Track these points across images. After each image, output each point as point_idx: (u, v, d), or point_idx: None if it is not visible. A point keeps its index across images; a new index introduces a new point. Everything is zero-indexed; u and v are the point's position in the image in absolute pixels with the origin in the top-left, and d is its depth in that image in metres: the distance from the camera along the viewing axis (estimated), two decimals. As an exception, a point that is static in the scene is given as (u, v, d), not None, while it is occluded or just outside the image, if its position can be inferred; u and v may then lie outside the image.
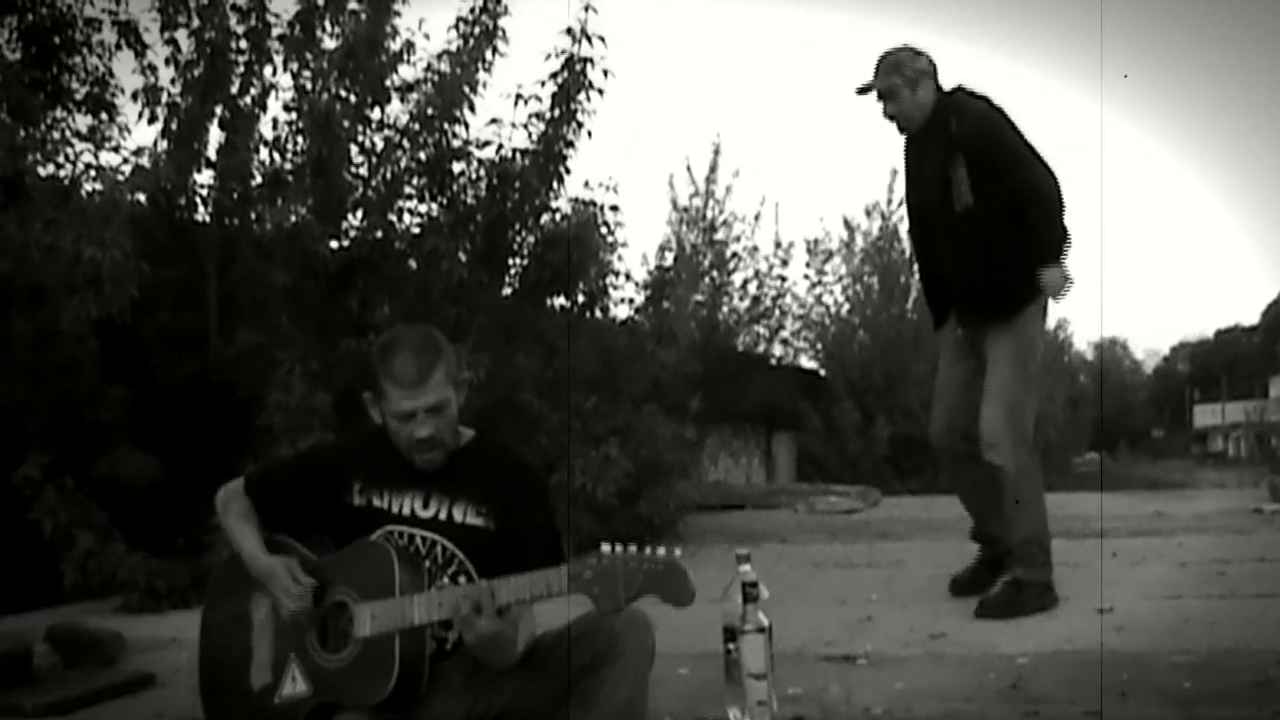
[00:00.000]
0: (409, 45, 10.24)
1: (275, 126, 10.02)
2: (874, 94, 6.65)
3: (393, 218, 10.11)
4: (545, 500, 3.95)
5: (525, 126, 10.15)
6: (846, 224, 27.83)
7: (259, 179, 9.91)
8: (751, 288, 25.03)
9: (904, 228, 27.47)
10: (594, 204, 10.46)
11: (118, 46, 10.50)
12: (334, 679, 3.53)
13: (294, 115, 9.93)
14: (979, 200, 6.38)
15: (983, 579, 6.90)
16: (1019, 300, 6.51)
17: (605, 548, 3.29)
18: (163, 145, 9.56)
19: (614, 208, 10.54)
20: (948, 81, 6.62)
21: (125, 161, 9.14)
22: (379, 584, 3.51)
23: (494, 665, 3.51)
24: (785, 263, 25.32)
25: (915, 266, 6.78)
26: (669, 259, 17.30)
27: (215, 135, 9.86)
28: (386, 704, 3.44)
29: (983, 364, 6.72)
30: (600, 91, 10.15)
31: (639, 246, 36.60)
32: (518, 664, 3.53)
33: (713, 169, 24.88)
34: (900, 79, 6.51)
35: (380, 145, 10.11)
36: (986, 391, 6.59)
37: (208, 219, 9.88)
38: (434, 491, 3.75)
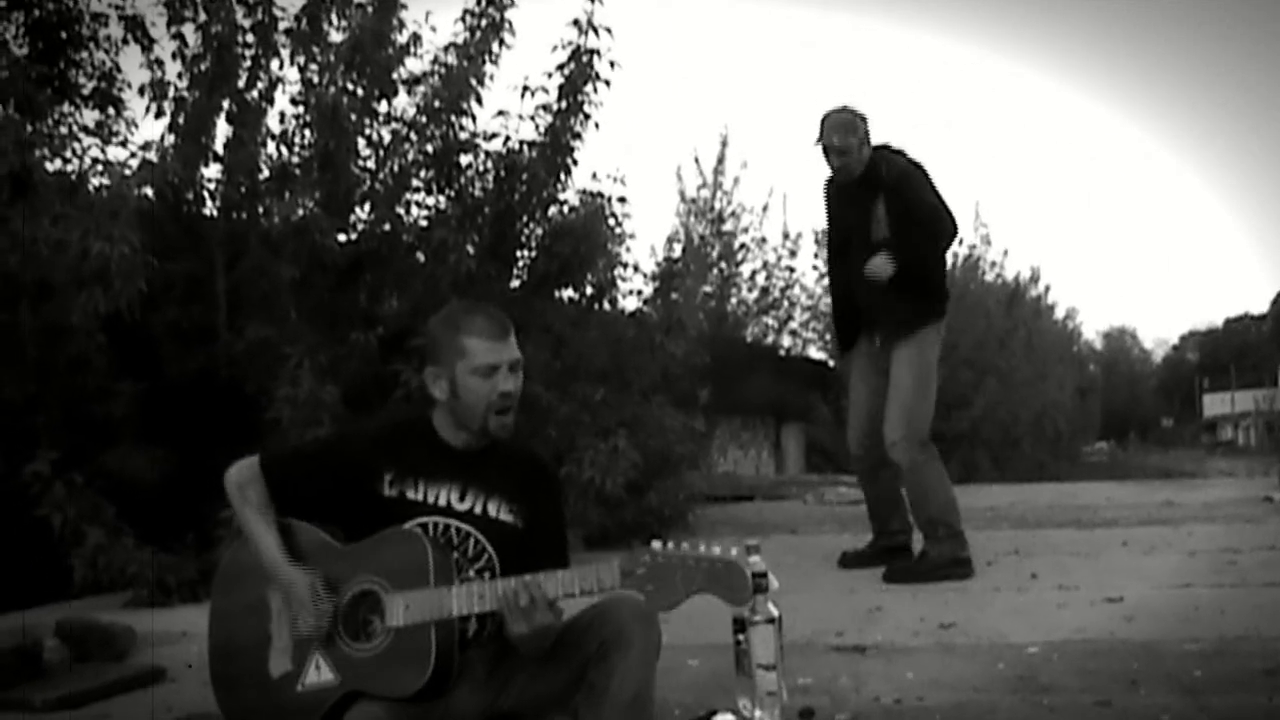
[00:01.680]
0: (416, 38, 10.26)
1: (282, 120, 10.05)
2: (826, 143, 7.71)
3: (400, 211, 10.13)
4: (562, 505, 4.00)
5: (532, 119, 10.17)
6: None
7: (266, 173, 9.93)
8: (760, 279, 25.11)
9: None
10: (602, 196, 10.46)
11: (124, 41, 10.53)
12: (364, 668, 3.50)
13: (301, 109, 9.95)
14: (894, 234, 7.49)
15: (868, 559, 8.02)
16: (921, 317, 7.65)
17: (656, 544, 3.31)
18: (170, 140, 9.59)
19: (621, 199, 10.56)
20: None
21: (133, 156, 9.19)
22: (411, 573, 3.49)
23: (531, 654, 3.51)
24: (793, 253, 25.40)
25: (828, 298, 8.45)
26: (677, 250, 17.26)
27: (223, 129, 9.89)
28: (417, 694, 3.43)
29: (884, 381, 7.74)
30: (607, 83, 10.16)
31: (647, 238, 36.73)
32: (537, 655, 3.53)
33: (720, 160, 24.92)
34: (855, 139, 7.60)
35: (387, 138, 10.14)
36: (889, 398, 7.62)
37: (215, 213, 9.90)
38: (470, 484, 3.75)
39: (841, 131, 7.59)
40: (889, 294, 7.50)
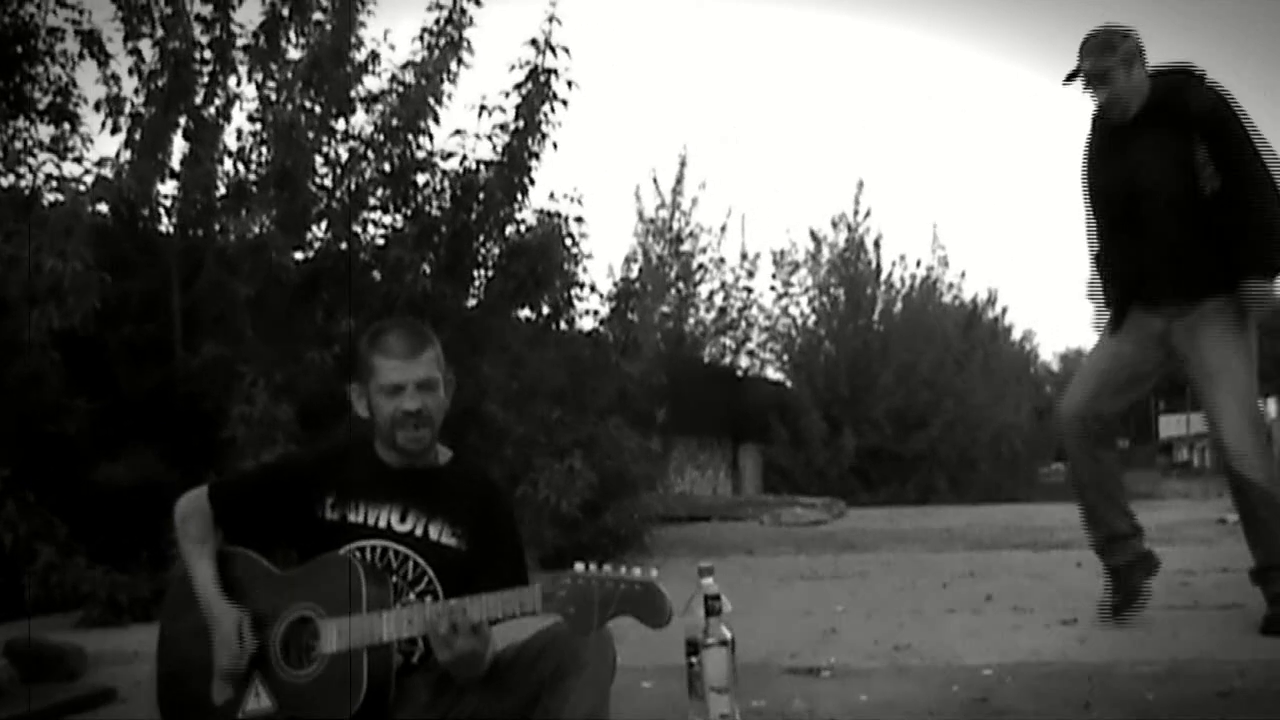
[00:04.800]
0: (374, 56, 10.27)
1: (239, 137, 10.02)
2: (1077, 81, 6.04)
3: (357, 229, 10.08)
4: (515, 525, 3.94)
5: (490, 138, 10.21)
6: (813, 235, 28.01)
7: (223, 190, 9.91)
8: (718, 299, 25.21)
9: (870, 239, 27.72)
10: (559, 215, 10.48)
11: (81, 56, 10.44)
12: (299, 694, 3.47)
13: (258, 126, 9.92)
14: (1224, 184, 5.79)
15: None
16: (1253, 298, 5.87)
17: (579, 567, 3.25)
18: (126, 155, 9.56)
19: (579, 219, 10.60)
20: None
21: (87, 172, 9.16)
22: (344, 599, 3.45)
23: (463, 679, 3.48)
24: (751, 274, 25.55)
25: (1095, 263, 5.51)
26: (635, 270, 17.35)
27: (179, 146, 9.87)
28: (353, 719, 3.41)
29: (1160, 363, 6.36)
30: (565, 103, 10.19)
31: (604, 258, 36.74)
32: (480, 679, 3.51)
33: (679, 180, 25.00)
34: (1114, 60, 5.90)
35: (345, 156, 10.11)
36: (1221, 393, 6.02)
37: (171, 230, 9.86)
38: (411, 507, 3.71)
39: (1095, 54, 5.94)
40: (1215, 260, 5.86)
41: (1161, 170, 5.91)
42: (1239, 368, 5.96)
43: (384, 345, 3.67)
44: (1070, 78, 6.03)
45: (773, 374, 28.01)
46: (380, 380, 3.65)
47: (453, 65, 10.12)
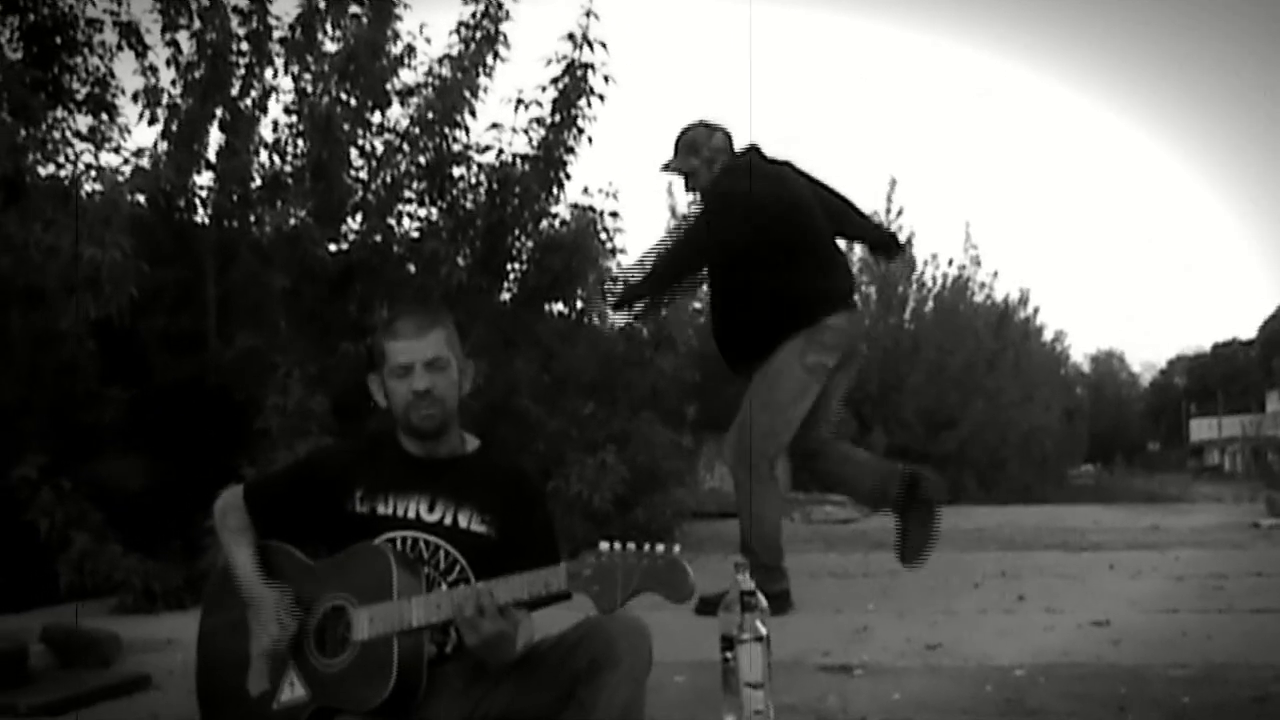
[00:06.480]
0: (410, 49, 10.26)
1: (275, 129, 10.05)
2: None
3: (392, 222, 10.11)
4: (546, 512, 3.95)
5: (526, 132, 10.18)
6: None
7: (259, 181, 9.94)
8: (750, 294, 25.08)
9: (901, 238, 27.68)
10: (593, 210, 10.47)
11: (119, 47, 10.52)
12: (331, 683, 3.49)
13: (294, 118, 9.95)
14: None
15: None
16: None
17: (604, 545, 3.25)
18: (163, 146, 9.58)
19: (614, 214, 10.57)
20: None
21: (125, 162, 9.20)
22: (376, 587, 3.47)
23: (494, 664, 3.48)
24: (784, 271, 25.35)
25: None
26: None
27: (215, 137, 9.89)
28: (384, 707, 3.39)
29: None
30: (601, 97, 10.17)
31: (638, 252, 36.65)
32: (514, 669, 3.51)
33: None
34: (698, 160, 7.13)
35: (380, 149, 10.12)
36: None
37: (207, 221, 9.89)
38: (440, 496, 3.72)
39: (683, 154, 7.25)
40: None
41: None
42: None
43: (393, 329, 3.71)
44: (665, 168, 7.31)
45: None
46: (390, 363, 3.68)
47: (489, 59, 10.10)
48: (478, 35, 10.08)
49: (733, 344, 7.25)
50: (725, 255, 7.01)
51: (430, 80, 10.16)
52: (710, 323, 7.58)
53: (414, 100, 10.19)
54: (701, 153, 7.11)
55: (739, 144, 7.17)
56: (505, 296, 10.62)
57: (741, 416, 7.10)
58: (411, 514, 3.71)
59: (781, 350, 6.98)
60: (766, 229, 6.86)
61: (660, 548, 3.23)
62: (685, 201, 24.21)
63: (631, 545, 3.24)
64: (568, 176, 10.30)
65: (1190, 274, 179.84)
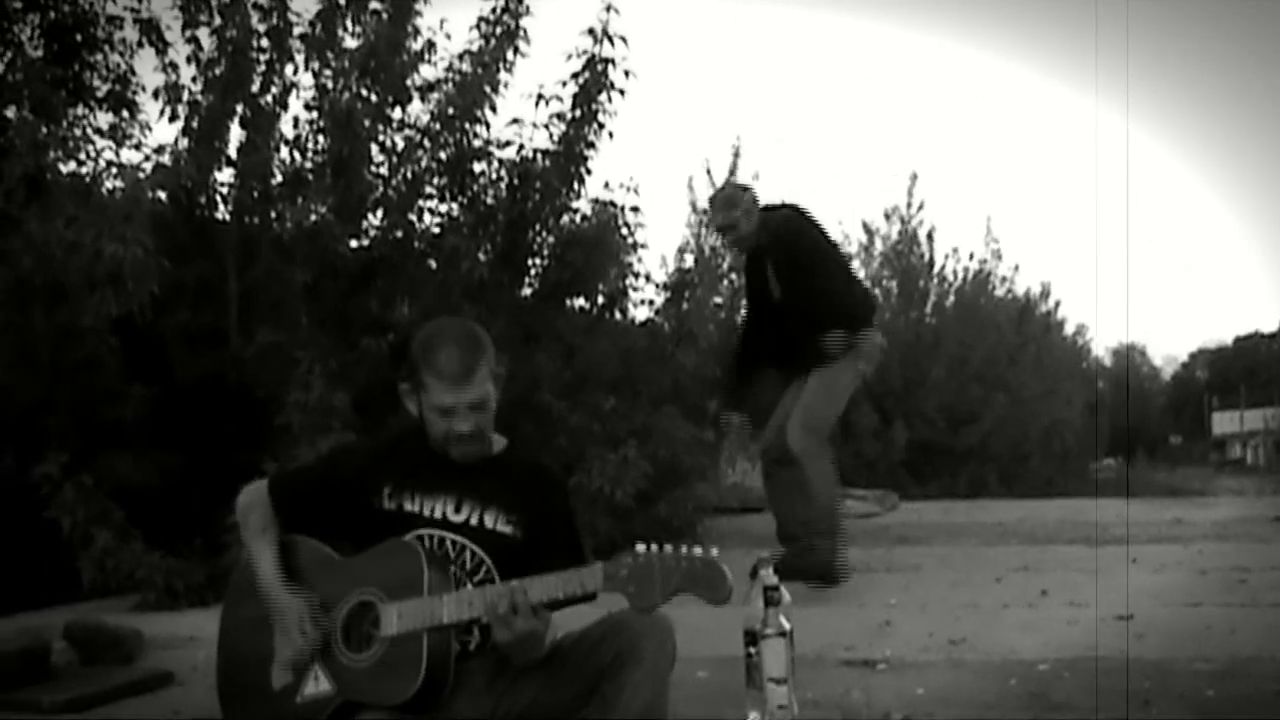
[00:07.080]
0: (430, 45, 10.27)
1: (296, 125, 10.06)
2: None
3: (413, 217, 10.14)
4: (571, 511, 3.92)
5: (546, 127, 10.18)
6: (865, 227, 27.73)
7: (280, 177, 9.95)
8: (771, 290, 25.04)
9: (923, 232, 27.65)
10: (614, 205, 10.47)
11: (139, 44, 10.51)
12: (358, 678, 3.48)
13: (315, 114, 9.96)
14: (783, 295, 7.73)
15: None
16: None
17: (640, 547, 3.25)
18: (184, 143, 9.59)
19: (634, 209, 10.57)
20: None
21: (146, 159, 9.23)
22: (406, 584, 3.46)
23: (522, 662, 3.48)
24: (805, 266, 25.32)
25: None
26: (689, 261, 17.23)
27: (236, 133, 9.89)
28: (411, 703, 3.39)
29: None
30: (621, 92, 10.17)
31: (659, 248, 36.64)
32: (538, 665, 3.50)
33: (732, 171, 24.87)
34: (738, 212, 7.80)
35: (401, 145, 10.13)
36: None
37: (228, 217, 9.91)
38: (466, 496, 3.71)
39: (724, 209, 7.89)
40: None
41: (764, 285, 7.87)
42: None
43: (436, 364, 3.61)
44: (708, 224, 8.14)
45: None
46: (432, 400, 3.61)
47: (509, 54, 10.09)
48: (498, 30, 10.07)
49: (798, 345, 7.71)
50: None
51: (450, 76, 10.16)
52: (762, 329, 8.10)
53: (434, 96, 10.20)
54: (740, 206, 7.81)
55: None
56: (526, 292, 10.62)
57: (805, 399, 7.64)
58: (439, 514, 3.69)
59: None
60: (836, 247, 8.05)
61: (698, 550, 3.23)
62: (704, 198, 24.30)
63: (669, 547, 3.24)
64: (588, 171, 10.31)
65: (1190, 274, 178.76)
